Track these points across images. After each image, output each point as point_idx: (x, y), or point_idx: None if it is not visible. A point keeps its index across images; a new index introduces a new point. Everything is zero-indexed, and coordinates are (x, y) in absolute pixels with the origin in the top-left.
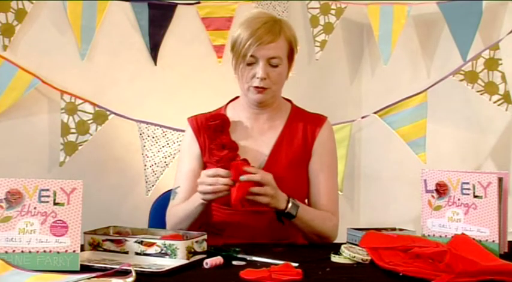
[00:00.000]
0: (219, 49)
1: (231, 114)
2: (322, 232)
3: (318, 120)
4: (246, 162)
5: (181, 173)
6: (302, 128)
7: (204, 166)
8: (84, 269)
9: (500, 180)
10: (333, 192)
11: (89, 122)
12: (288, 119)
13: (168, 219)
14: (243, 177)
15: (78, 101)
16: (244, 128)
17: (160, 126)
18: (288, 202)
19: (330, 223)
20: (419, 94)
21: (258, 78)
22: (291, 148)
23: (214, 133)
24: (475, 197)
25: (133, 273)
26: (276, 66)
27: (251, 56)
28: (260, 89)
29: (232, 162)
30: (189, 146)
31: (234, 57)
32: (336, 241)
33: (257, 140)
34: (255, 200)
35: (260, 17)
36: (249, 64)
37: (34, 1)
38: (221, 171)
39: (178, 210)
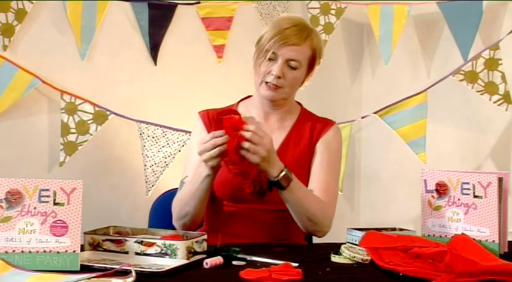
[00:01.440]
0: (219, 49)
1: (242, 111)
2: (314, 215)
3: (325, 123)
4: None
5: (190, 163)
6: (309, 131)
7: None
8: (84, 269)
9: (500, 180)
10: (331, 188)
11: (89, 122)
12: (296, 121)
13: (174, 206)
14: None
15: (78, 101)
16: (255, 124)
17: (160, 126)
18: (281, 171)
19: (324, 210)
20: (419, 94)
21: (272, 74)
22: (297, 148)
23: None
24: (475, 197)
25: (133, 273)
26: (294, 68)
27: (273, 52)
28: (272, 86)
29: (226, 117)
30: (199, 138)
31: (257, 51)
32: (336, 241)
33: None
34: (246, 156)
35: (291, 19)
36: (269, 60)
37: (34, 1)
38: (216, 132)
39: (183, 194)
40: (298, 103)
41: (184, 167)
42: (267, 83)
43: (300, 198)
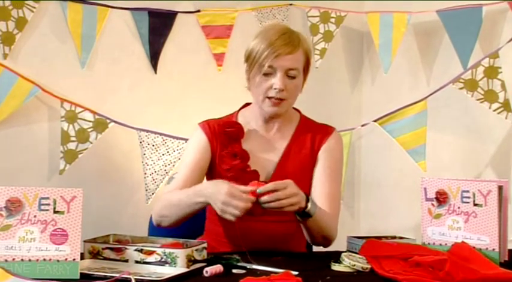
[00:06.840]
0: (219, 57)
1: (242, 121)
2: (329, 233)
3: (325, 130)
4: (257, 174)
5: (183, 163)
6: (310, 139)
7: (211, 166)
8: (84, 277)
9: (500, 188)
10: (335, 197)
11: (89, 130)
12: (296, 130)
13: (159, 202)
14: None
15: (78, 109)
16: (255, 137)
17: (160, 134)
18: (307, 201)
19: (334, 224)
20: (419, 102)
21: (275, 89)
22: (298, 157)
23: (228, 140)
24: (475, 205)
25: None
26: (293, 77)
27: (269, 66)
28: (276, 101)
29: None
30: (198, 142)
31: (250, 67)
32: (336, 249)
33: (267, 149)
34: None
35: (276, 28)
36: (266, 74)
37: (35, 10)
38: (252, 198)
39: (172, 196)
40: (297, 110)
41: (179, 165)
42: (270, 98)
43: (320, 220)
